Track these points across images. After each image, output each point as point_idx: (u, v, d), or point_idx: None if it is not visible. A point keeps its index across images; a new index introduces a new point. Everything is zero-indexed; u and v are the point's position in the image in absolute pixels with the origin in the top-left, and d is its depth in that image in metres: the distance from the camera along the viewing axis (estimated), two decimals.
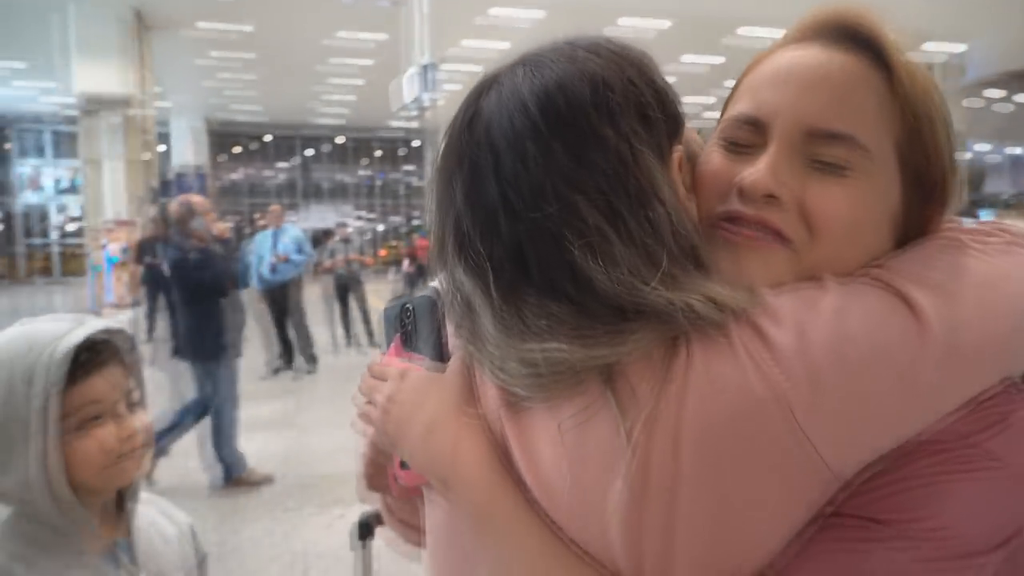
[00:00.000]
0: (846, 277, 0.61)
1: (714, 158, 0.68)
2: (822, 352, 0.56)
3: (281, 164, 31.96)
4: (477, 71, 0.72)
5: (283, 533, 4.03)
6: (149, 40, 16.73)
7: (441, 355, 0.74)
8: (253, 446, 4.93)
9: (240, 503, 4.53)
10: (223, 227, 5.01)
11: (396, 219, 31.91)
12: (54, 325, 1.12)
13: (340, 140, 31.28)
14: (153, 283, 11.64)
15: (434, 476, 0.68)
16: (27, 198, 28.40)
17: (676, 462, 0.56)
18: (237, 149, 31.79)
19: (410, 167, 31.48)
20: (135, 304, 11.93)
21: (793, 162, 0.64)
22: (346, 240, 10.23)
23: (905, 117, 0.64)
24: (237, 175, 31.50)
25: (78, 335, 1.10)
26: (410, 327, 0.77)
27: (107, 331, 1.16)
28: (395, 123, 22.64)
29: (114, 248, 14.87)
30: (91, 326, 1.14)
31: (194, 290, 4.67)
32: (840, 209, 0.62)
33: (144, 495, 1.25)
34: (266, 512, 4.35)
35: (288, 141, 31.53)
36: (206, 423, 4.73)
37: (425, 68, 11.27)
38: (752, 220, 0.64)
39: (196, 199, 4.95)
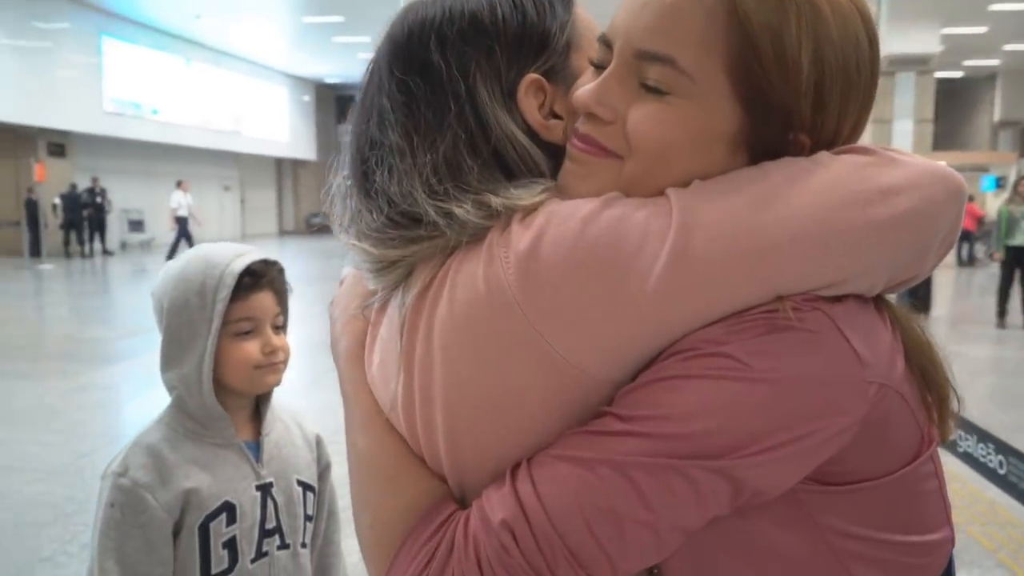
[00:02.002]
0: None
1: (584, 78, 0.70)
2: (551, 252, 0.58)
3: None
4: None
5: None
6: None
7: None
8: None
9: None
10: None
11: None
12: (226, 251, 1.32)
13: None
14: None
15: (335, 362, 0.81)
16: None
17: (428, 345, 0.63)
18: None
19: None
20: None
21: (626, 82, 0.65)
22: None
23: (743, 38, 0.60)
24: None
25: (243, 261, 1.30)
26: None
27: (265, 262, 1.34)
28: None
29: None
30: (254, 255, 1.33)
31: None
32: (650, 129, 0.63)
33: (283, 404, 1.45)
34: None
35: None
36: None
37: None
38: (580, 135, 0.67)
39: None
